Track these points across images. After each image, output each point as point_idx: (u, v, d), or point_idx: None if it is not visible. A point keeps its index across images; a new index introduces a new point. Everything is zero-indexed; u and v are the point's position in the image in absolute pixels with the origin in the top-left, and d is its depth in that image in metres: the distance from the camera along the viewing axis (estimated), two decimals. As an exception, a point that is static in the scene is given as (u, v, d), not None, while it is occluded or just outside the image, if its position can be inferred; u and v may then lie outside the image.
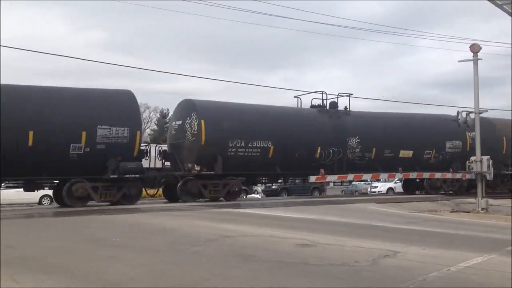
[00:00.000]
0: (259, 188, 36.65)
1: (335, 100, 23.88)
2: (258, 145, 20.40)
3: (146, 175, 18.41)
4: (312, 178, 22.35)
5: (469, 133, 26.55)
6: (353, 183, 40.05)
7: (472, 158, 18.21)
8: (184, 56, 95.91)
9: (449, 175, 25.04)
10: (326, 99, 23.66)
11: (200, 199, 19.40)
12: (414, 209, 17.19)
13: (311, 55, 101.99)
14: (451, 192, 25.13)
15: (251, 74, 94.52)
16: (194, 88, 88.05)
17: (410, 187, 27.33)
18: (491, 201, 17.83)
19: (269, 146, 20.63)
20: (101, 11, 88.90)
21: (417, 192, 26.36)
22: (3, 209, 16.55)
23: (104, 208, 16.35)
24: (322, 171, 22.10)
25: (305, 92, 24.05)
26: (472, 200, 18.61)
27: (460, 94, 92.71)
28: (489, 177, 18.43)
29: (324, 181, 24.11)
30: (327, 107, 23.66)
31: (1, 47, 17.20)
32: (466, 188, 25.58)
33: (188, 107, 20.38)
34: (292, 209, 16.52)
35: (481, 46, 17.97)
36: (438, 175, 24.93)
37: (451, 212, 17.19)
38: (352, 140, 22.93)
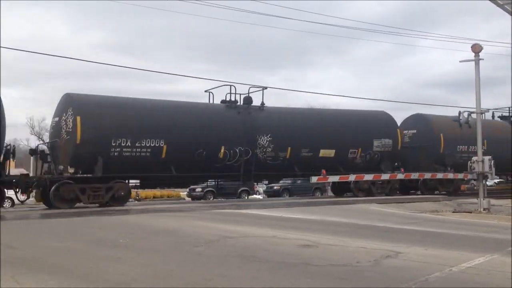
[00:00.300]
0: (260, 189, 36.65)
1: (248, 94, 21.56)
2: (148, 144, 18.27)
3: (7, 179, 16.36)
4: (314, 179, 22.10)
5: (405, 131, 25.42)
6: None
7: (474, 158, 18.19)
8: (184, 56, 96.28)
9: (450, 175, 24.95)
10: (235, 93, 21.29)
11: (80, 205, 17.38)
12: (416, 209, 17.17)
13: (312, 55, 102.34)
14: (383, 194, 22.98)
15: (251, 74, 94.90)
16: (194, 88, 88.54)
17: (339, 189, 25.14)
18: (493, 201, 17.84)
19: (162, 145, 18.52)
20: (101, 11, 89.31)
21: (346, 194, 24.28)
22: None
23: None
24: (323, 171, 21.89)
25: (215, 86, 21.54)
26: (474, 200, 18.59)
27: (461, 94, 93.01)
28: (491, 177, 18.41)
29: (325, 181, 23.97)
30: (241, 103, 21.31)
31: (1, 47, 16.92)
32: (399, 190, 23.94)
33: (65, 102, 18.22)
34: (293, 209, 16.48)
35: (482, 46, 17.96)
36: (439, 175, 24.81)
37: (453, 212, 17.18)
38: (262, 139, 20.82)
